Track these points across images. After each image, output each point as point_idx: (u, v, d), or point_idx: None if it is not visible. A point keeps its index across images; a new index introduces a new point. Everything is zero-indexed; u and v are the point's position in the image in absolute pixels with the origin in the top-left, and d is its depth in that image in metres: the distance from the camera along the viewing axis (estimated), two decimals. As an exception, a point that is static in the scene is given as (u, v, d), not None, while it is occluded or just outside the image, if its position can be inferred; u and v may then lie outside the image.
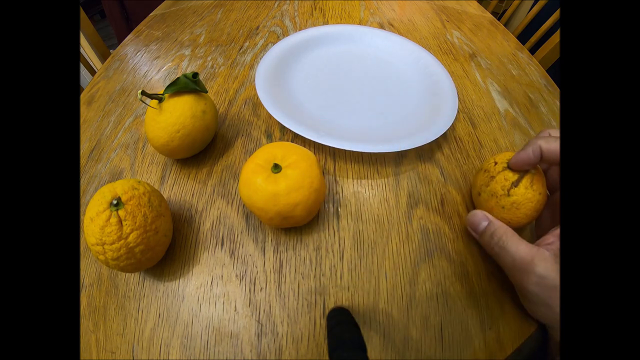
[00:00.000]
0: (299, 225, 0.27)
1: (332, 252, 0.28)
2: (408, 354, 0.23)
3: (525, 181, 0.25)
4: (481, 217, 0.25)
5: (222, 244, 0.28)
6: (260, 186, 0.24)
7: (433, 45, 0.50)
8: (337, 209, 0.30)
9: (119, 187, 0.23)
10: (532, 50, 0.62)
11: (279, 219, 0.25)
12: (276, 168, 0.25)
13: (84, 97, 0.43)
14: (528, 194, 0.24)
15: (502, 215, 0.25)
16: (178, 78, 0.29)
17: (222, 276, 0.27)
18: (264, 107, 0.38)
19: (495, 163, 0.27)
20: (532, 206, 0.24)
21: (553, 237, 0.22)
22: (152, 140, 0.30)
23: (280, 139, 0.36)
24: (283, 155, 0.26)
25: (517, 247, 0.22)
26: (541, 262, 0.20)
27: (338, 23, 0.54)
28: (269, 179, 0.24)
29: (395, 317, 0.25)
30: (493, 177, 0.26)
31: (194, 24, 0.54)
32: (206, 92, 0.31)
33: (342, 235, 0.29)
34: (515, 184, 0.25)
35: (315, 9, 0.57)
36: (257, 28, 0.52)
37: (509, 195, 0.25)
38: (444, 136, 0.37)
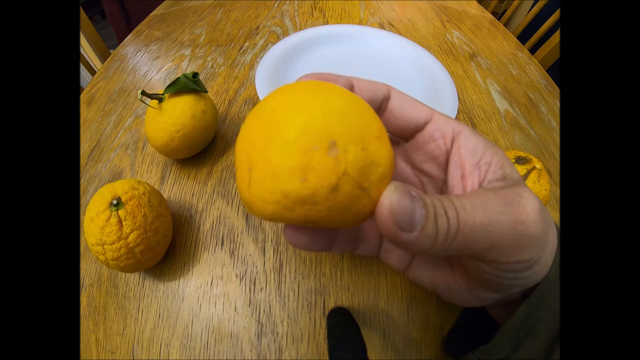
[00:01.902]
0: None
1: (332, 252, 0.28)
2: (408, 354, 0.23)
3: (533, 175, 0.25)
4: (410, 206, 0.12)
5: (222, 244, 0.28)
6: None
7: (433, 45, 0.50)
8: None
9: (119, 187, 0.23)
10: (532, 50, 0.62)
11: None
12: None
13: (84, 97, 0.43)
14: (535, 189, 0.24)
15: None
16: (178, 78, 0.29)
17: (222, 276, 0.27)
18: (264, 107, 0.38)
19: None
20: None
21: (471, 171, 0.14)
22: (152, 140, 0.30)
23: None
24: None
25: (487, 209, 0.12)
26: (520, 194, 0.13)
27: (338, 23, 0.54)
28: None
29: (395, 317, 0.25)
30: None
31: (194, 24, 0.54)
32: (206, 92, 0.31)
33: (342, 235, 0.29)
34: (524, 178, 0.25)
35: (315, 9, 0.57)
36: (257, 28, 0.52)
37: None
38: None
